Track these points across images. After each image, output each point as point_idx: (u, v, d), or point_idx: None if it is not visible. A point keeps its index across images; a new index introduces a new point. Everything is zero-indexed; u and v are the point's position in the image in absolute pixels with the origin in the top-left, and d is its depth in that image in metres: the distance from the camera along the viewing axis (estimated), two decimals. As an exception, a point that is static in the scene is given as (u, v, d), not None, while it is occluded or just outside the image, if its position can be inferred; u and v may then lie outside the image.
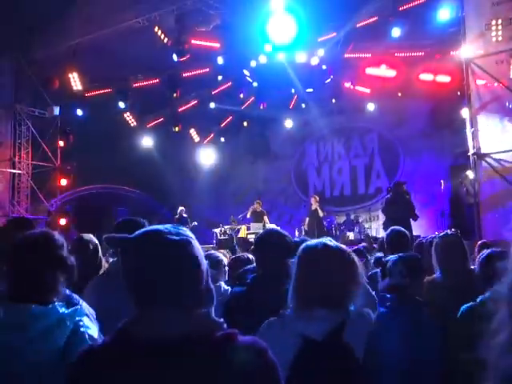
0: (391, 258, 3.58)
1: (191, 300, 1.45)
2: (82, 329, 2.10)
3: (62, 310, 2.12)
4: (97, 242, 4.04)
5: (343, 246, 2.42)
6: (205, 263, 1.51)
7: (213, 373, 1.34)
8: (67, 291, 2.49)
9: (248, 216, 15.25)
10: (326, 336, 2.18)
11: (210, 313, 1.48)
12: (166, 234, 1.46)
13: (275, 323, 2.16)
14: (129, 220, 3.47)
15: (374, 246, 7.55)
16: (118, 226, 3.35)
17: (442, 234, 4.03)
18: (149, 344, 1.36)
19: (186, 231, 1.52)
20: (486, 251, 3.27)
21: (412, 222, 10.86)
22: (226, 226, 15.96)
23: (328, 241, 2.37)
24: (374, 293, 4.35)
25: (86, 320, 2.17)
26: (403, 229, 4.90)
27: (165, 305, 1.42)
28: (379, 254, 4.96)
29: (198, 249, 1.51)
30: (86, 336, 2.09)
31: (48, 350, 2.04)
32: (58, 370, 1.96)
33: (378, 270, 4.56)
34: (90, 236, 4.06)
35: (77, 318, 2.13)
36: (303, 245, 2.40)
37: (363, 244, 8.33)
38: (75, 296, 2.54)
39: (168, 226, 1.51)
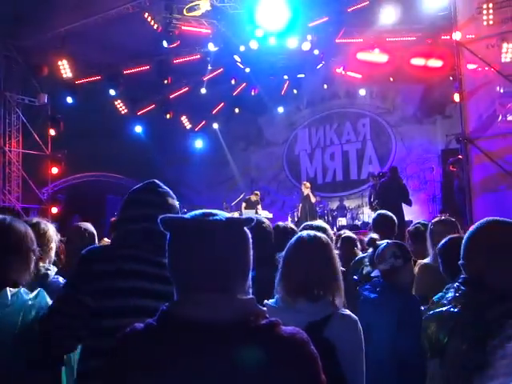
0: (381, 244, 3.59)
1: (237, 286, 1.44)
2: None
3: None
4: (93, 230, 4.04)
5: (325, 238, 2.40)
6: (251, 249, 1.51)
7: (254, 360, 1.34)
8: (60, 278, 2.48)
9: (243, 208, 15.20)
10: (305, 328, 2.18)
11: (254, 300, 1.47)
12: (214, 216, 1.47)
13: None
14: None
15: None
16: None
17: (437, 219, 4.06)
18: (192, 327, 1.36)
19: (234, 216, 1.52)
20: (445, 239, 3.17)
21: (405, 207, 10.94)
22: (218, 213, 15.90)
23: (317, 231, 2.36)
24: (355, 277, 4.34)
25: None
26: (390, 213, 4.90)
27: (210, 289, 1.41)
28: (374, 236, 4.88)
29: (246, 235, 1.51)
30: None
31: None
32: None
33: (370, 251, 4.54)
34: (86, 224, 4.06)
35: None
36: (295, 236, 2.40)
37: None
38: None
39: (217, 211, 1.52)
